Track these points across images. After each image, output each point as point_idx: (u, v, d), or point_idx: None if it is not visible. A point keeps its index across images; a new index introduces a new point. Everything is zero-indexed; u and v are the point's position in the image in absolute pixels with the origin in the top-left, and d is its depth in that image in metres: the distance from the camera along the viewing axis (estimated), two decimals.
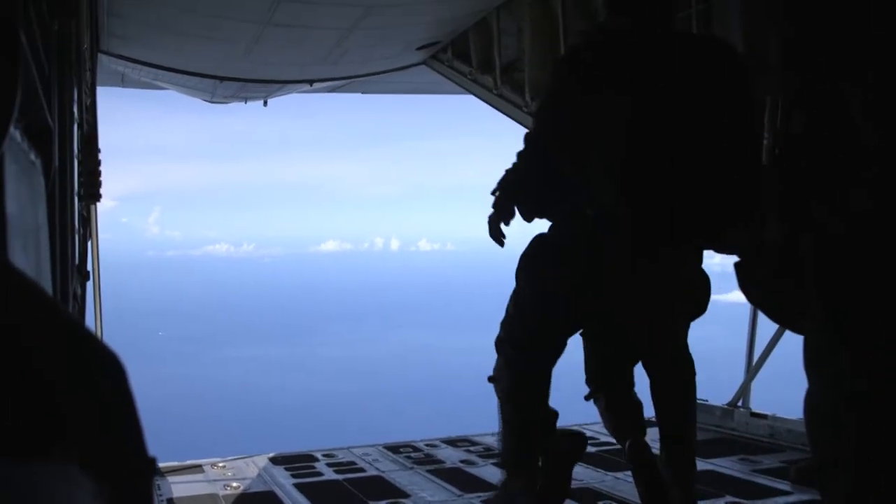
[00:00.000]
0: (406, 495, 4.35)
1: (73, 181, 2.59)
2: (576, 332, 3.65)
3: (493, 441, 5.27)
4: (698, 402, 5.68)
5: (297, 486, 4.55)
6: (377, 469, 4.91)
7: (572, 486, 4.00)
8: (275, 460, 5.13)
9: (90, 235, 5.12)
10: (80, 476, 0.57)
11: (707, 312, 3.56)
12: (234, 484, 4.58)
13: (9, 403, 0.57)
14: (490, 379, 3.65)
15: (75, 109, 2.79)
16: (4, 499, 0.49)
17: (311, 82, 9.59)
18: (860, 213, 2.30)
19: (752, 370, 5.82)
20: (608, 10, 3.36)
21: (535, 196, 3.39)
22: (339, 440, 6.57)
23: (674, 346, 3.55)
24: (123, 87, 10.44)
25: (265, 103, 10.96)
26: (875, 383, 2.27)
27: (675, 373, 3.55)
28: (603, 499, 4.20)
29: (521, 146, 3.40)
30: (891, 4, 2.31)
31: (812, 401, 2.44)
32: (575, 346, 3.74)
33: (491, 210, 3.37)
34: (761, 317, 5.36)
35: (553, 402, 3.61)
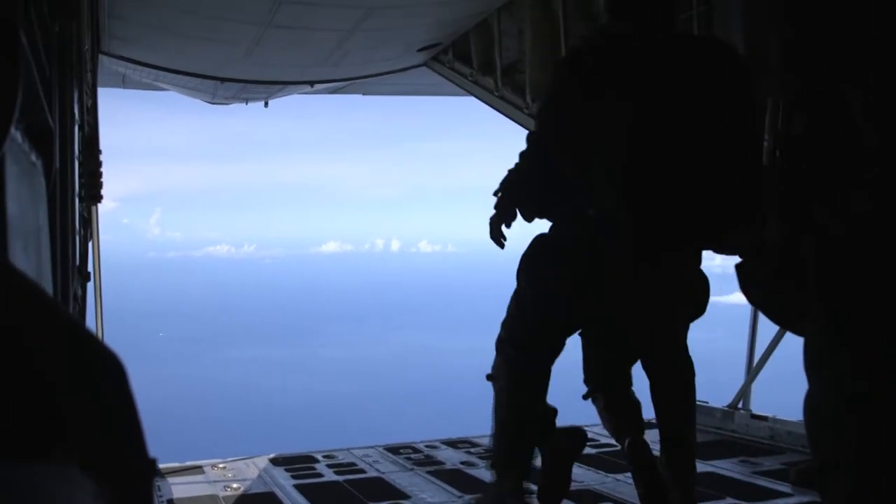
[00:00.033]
0: (406, 496, 4.35)
1: (74, 182, 2.59)
2: (575, 332, 3.65)
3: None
4: (698, 403, 5.67)
5: (297, 487, 4.54)
6: (377, 470, 4.91)
7: (573, 488, 4.00)
8: (275, 461, 5.13)
9: (91, 236, 5.13)
10: (81, 477, 0.57)
11: (708, 314, 3.56)
12: (235, 485, 4.58)
13: (10, 404, 0.57)
14: (488, 377, 3.66)
15: (76, 110, 2.79)
16: (5, 500, 0.49)
17: (311, 83, 9.60)
18: (861, 214, 2.30)
19: (752, 372, 5.81)
20: (609, 14, 3.36)
21: (536, 197, 3.40)
22: (339, 441, 6.57)
23: (674, 348, 3.55)
24: (124, 88, 10.44)
25: (266, 104, 10.97)
26: (876, 385, 2.27)
27: (676, 375, 3.55)
28: (603, 500, 4.20)
29: (523, 147, 3.41)
30: (891, 5, 2.31)
31: (812, 402, 2.44)
32: (573, 345, 3.74)
33: (492, 211, 3.37)
34: (762, 318, 5.35)
35: (551, 401, 3.61)
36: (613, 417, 3.83)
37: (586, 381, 3.94)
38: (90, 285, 4.51)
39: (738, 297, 2.93)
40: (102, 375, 0.65)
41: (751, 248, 2.88)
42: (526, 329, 3.44)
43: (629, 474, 3.77)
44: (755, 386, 5.82)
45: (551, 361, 3.47)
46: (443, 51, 8.50)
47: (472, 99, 8.39)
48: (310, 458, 5.22)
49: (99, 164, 4.17)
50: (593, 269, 3.29)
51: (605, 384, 3.86)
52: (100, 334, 6.05)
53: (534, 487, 3.84)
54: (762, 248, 2.66)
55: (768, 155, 2.64)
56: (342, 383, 68.93)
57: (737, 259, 2.94)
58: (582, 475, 4.59)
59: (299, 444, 6.26)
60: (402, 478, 4.73)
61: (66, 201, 2.12)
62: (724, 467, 4.72)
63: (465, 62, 8.18)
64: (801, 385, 2.50)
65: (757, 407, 5.74)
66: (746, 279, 2.81)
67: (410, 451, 5.42)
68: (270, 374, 73.88)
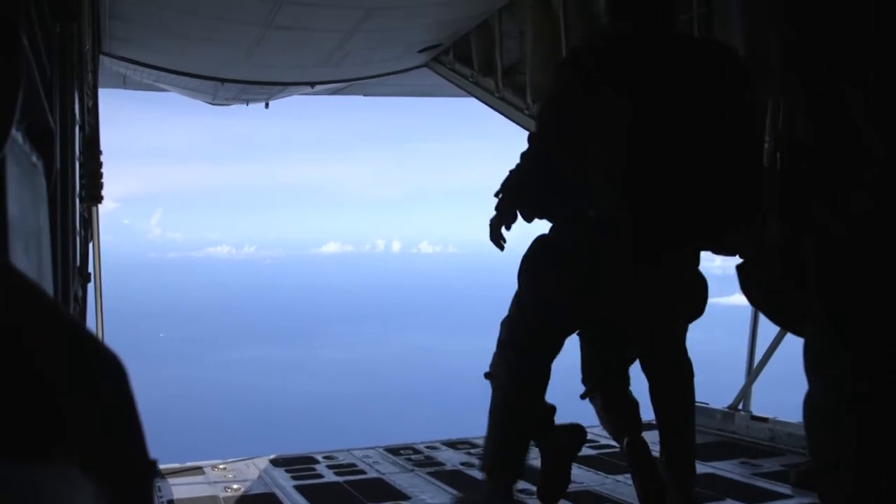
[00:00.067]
0: (406, 497, 4.35)
1: (74, 183, 2.59)
2: (574, 332, 3.66)
3: None
4: (698, 405, 5.68)
5: (297, 488, 4.54)
6: (377, 471, 4.91)
7: (573, 490, 4.00)
8: (275, 462, 5.13)
9: (92, 237, 5.13)
10: (81, 478, 0.57)
11: (707, 315, 3.56)
12: (235, 486, 4.58)
13: (10, 404, 0.57)
14: (486, 375, 3.66)
15: (77, 111, 2.79)
16: (5, 500, 0.49)
17: (312, 84, 9.60)
18: (861, 214, 2.30)
19: (752, 373, 5.81)
20: (610, 15, 3.37)
21: (536, 197, 3.40)
22: (339, 442, 6.57)
23: (674, 348, 3.55)
24: (125, 89, 10.45)
25: (267, 105, 10.97)
26: (876, 385, 2.27)
27: (675, 375, 3.55)
28: (603, 502, 4.19)
29: (524, 148, 3.41)
30: (891, 5, 2.31)
31: (812, 402, 2.44)
32: (571, 345, 3.74)
33: (493, 213, 3.38)
34: (762, 319, 5.35)
35: (550, 401, 3.61)
36: (611, 417, 3.83)
37: (584, 381, 3.94)
38: (91, 286, 4.51)
39: (739, 298, 2.93)
40: (103, 376, 0.65)
41: (751, 248, 2.88)
42: (526, 331, 3.44)
43: (629, 475, 3.77)
44: (755, 387, 5.82)
45: (550, 362, 3.47)
46: (443, 52, 8.50)
47: (473, 100, 8.39)
48: (310, 459, 5.22)
49: (100, 164, 4.17)
50: (593, 271, 3.29)
51: (602, 384, 3.87)
52: (100, 335, 6.05)
53: (522, 488, 3.85)
54: (763, 249, 2.66)
55: (769, 156, 2.64)
56: (342, 384, 68.91)
57: (737, 260, 2.94)
58: (581, 476, 4.59)
59: (299, 445, 6.27)
60: (403, 479, 4.73)
61: (67, 202, 2.13)
62: (725, 469, 4.72)
63: (466, 63, 8.18)
64: (801, 386, 2.50)
65: (757, 408, 5.73)
66: (747, 280, 2.81)
67: (411, 452, 5.41)
68: (271, 375, 73.86)
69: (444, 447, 5.55)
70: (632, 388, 3.91)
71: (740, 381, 5.84)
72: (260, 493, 4.49)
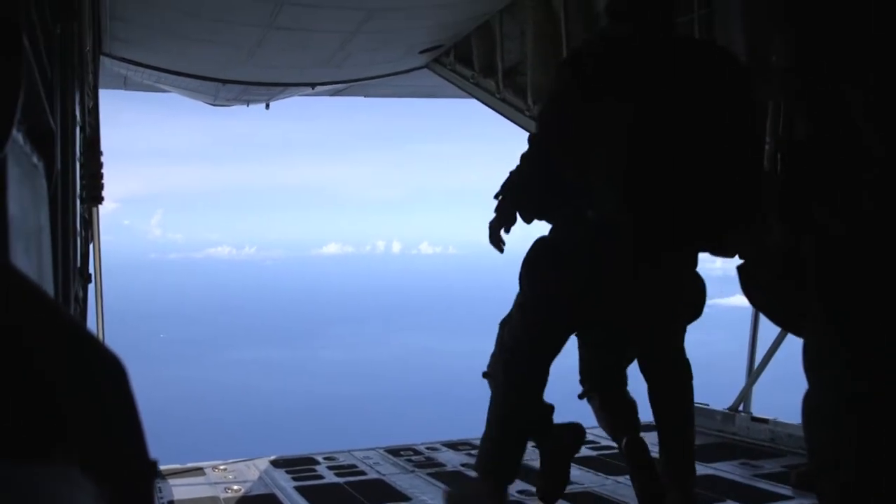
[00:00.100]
0: (407, 499, 4.35)
1: (75, 184, 2.59)
2: (575, 332, 3.66)
3: None
4: (699, 406, 5.69)
5: (297, 489, 4.54)
6: (378, 472, 4.91)
7: (573, 491, 4.00)
8: (276, 463, 5.13)
9: (92, 238, 5.13)
10: (81, 478, 0.57)
11: (708, 316, 3.56)
12: (235, 487, 4.58)
13: (10, 404, 0.57)
14: (485, 375, 3.66)
15: (78, 112, 2.79)
16: (5, 500, 0.49)
17: (313, 85, 9.61)
18: (861, 214, 2.30)
19: (753, 374, 5.81)
20: (609, 18, 3.37)
21: (537, 198, 3.40)
22: (340, 443, 6.56)
23: (673, 348, 3.56)
24: (126, 89, 10.46)
25: (267, 106, 10.97)
26: (875, 385, 2.27)
27: (675, 375, 3.55)
28: (603, 503, 4.19)
29: (524, 149, 3.41)
30: (891, 5, 2.31)
31: (811, 402, 2.44)
32: (570, 345, 3.75)
33: (493, 215, 3.37)
34: (763, 320, 5.35)
35: (548, 401, 3.61)
36: (609, 417, 3.84)
37: (582, 382, 3.95)
38: (91, 287, 4.51)
39: (739, 299, 2.93)
40: (103, 377, 0.65)
41: (752, 249, 2.89)
42: (527, 331, 3.44)
43: (629, 476, 3.78)
44: (756, 388, 5.82)
45: (550, 364, 3.47)
46: (444, 53, 8.51)
47: (474, 101, 8.40)
48: (310, 460, 5.22)
49: (100, 165, 4.17)
50: (593, 272, 3.29)
51: (600, 384, 3.87)
52: (101, 336, 6.05)
53: (522, 489, 3.85)
54: (764, 251, 2.66)
55: (770, 158, 2.64)
56: (343, 385, 68.89)
57: (737, 261, 2.94)
58: (581, 477, 4.59)
59: (300, 446, 6.27)
60: (403, 480, 4.73)
61: (68, 203, 2.13)
62: (725, 470, 4.71)
63: (467, 64, 8.19)
64: (802, 387, 2.50)
65: (758, 409, 5.73)
66: (748, 281, 2.81)
67: (411, 452, 5.41)
68: (271, 376, 73.84)
69: (444, 448, 5.55)
70: (630, 388, 3.91)
71: (741, 382, 5.84)
72: (260, 493, 4.49)
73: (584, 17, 6.43)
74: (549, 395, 3.57)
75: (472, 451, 5.38)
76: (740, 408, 5.77)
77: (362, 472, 4.91)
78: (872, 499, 2.28)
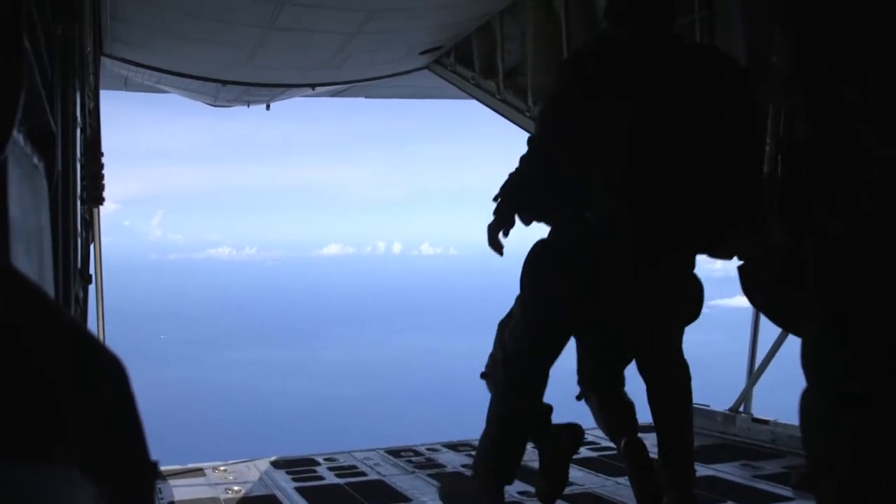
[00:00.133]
0: (407, 499, 4.35)
1: (76, 185, 2.59)
2: (575, 334, 3.66)
3: None
4: (700, 407, 5.69)
5: (298, 489, 4.55)
6: (378, 473, 4.91)
7: (573, 492, 4.00)
8: (276, 464, 5.13)
9: (93, 239, 5.13)
10: (81, 479, 0.57)
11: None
12: (236, 487, 4.58)
13: (10, 404, 0.57)
14: (483, 375, 3.66)
15: (78, 113, 2.79)
16: (5, 500, 0.49)
17: (313, 86, 9.61)
18: (861, 215, 2.30)
19: (753, 375, 5.80)
20: (609, 19, 3.38)
21: (537, 199, 3.39)
22: (340, 444, 6.57)
23: (673, 349, 3.56)
24: (126, 90, 10.46)
25: (268, 107, 10.98)
26: (873, 385, 2.26)
27: (675, 376, 3.55)
28: (603, 503, 4.19)
29: (524, 150, 3.41)
30: (891, 6, 2.31)
31: (809, 402, 2.44)
32: (568, 347, 3.75)
33: (492, 217, 3.36)
34: (764, 321, 5.35)
35: (547, 401, 3.61)
36: (608, 418, 3.84)
37: (580, 383, 3.95)
38: (92, 287, 4.51)
39: (740, 300, 2.92)
40: (103, 377, 0.65)
41: (753, 250, 2.89)
42: (528, 332, 3.44)
43: (628, 477, 3.78)
44: (756, 389, 5.81)
45: (550, 365, 3.47)
46: (445, 54, 8.51)
47: (475, 102, 8.40)
48: (311, 461, 5.22)
49: (101, 166, 4.17)
50: (592, 272, 3.29)
51: (598, 385, 3.87)
52: (101, 336, 6.05)
53: (522, 489, 3.85)
54: (765, 253, 2.66)
55: (770, 160, 2.64)
56: (343, 386, 68.87)
57: (738, 261, 2.94)
58: (582, 478, 4.59)
59: (300, 447, 6.26)
60: (404, 481, 4.73)
61: (68, 204, 2.13)
62: (725, 471, 4.71)
63: (468, 65, 8.19)
64: (802, 389, 2.49)
65: (758, 410, 5.73)
66: (749, 282, 2.81)
67: (411, 453, 5.42)
68: (271, 377, 73.82)
69: (444, 449, 5.56)
70: (628, 390, 3.92)
71: (741, 383, 5.84)
72: (261, 494, 4.49)
73: (584, 17, 6.44)
74: (548, 396, 3.57)
75: (473, 452, 5.38)
76: (741, 409, 5.76)
77: (363, 473, 4.92)
78: (870, 499, 2.28)
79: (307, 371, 77.42)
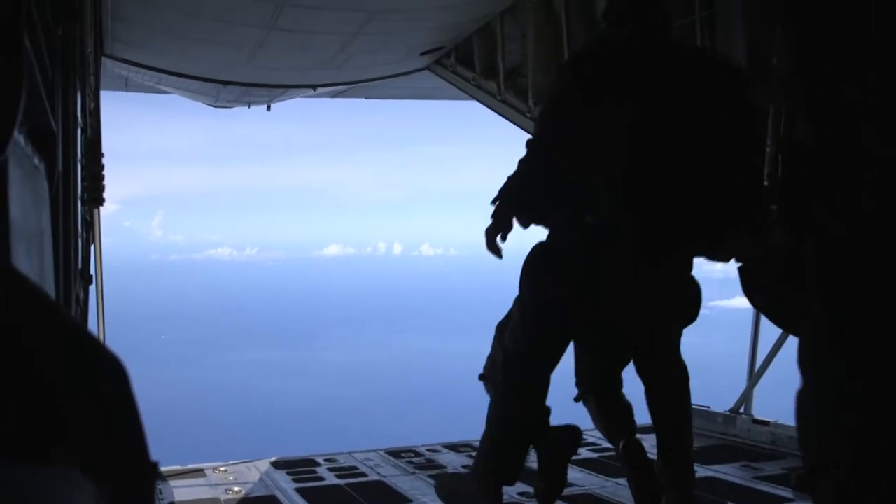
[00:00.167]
0: (407, 500, 4.35)
1: (76, 185, 2.59)
2: (575, 336, 3.66)
3: None
4: (700, 408, 5.69)
5: (298, 490, 4.55)
6: (379, 474, 4.91)
7: (574, 493, 4.00)
8: (276, 465, 5.13)
9: (93, 239, 5.13)
10: (82, 479, 0.57)
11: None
12: (236, 488, 4.58)
13: (10, 404, 0.57)
14: (481, 377, 3.66)
15: (79, 114, 2.79)
16: (5, 500, 0.49)
17: (314, 87, 9.62)
18: (861, 214, 2.30)
19: (754, 376, 5.80)
20: (608, 20, 3.38)
21: (536, 200, 3.39)
22: (341, 444, 6.56)
23: (672, 349, 3.56)
24: (127, 91, 10.47)
25: (268, 108, 10.98)
26: (873, 385, 2.26)
27: (674, 376, 3.55)
28: None
29: (524, 152, 3.40)
30: (891, 6, 2.31)
31: (806, 402, 2.44)
32: (567, 349, 3.75)
33: (490, 220, 3.35)
34: (764, 322, 5.35)
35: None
36: (606, 420, 3.85)
37: (578, 384, 3.95)
38: (92, 288, 4.51)
39: (740, 301, 2.92)
40: (104, 378, 0.65)
41: (753, 250, 2.89)
42: (527, 336, 3.44)
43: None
44: (757, 390, 5.81)
45: (551, 370, 3.47)
46: (445, 55, 8.51)
47: (475, 103, 8.40)
48: (311, 462, 5.22)
49: (101, 167, 4.17)
50: (591, 276, 3.29)
51: (596, 387, 3.87)
52: (102, 337, 6.05)
53: (522, 490, 3.84)
54: (765, 253, 2.66)
55: (771, 160, 2.64)
56: (344, 386, 68.88)
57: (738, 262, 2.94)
58: (582, 479, 4.59)
59: (301, 448, 6.26)
60: (404, 482, 4.73)
61: (69, 204, 2.13)
62: (726, 472, 4.71)
63: (468, 66, 8.19)
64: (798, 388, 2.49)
65: (759, 412, 5.73)
66: (749, 283, 2.81)
67: (412, 454, 5.42)
68: (272, 378, 73.84)
69: (445, 450, 5.55)
70: (626, 391, 3.92)
71: (742, 384, 5.83)
72: (261, 495, 4.49)
73: (585, 18, 6.44)
74: (546, 398, 3.57)
75: (473, 453, 5.38)
76: (741, 410, 5.76)
77: (363, 474, 4.92)
78: (867, 499, 2.27)
79: (307, 372, 77.45)
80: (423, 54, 8.44)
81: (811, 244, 2.41)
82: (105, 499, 0.59)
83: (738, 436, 5.62)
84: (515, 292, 3.56)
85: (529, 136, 3.46)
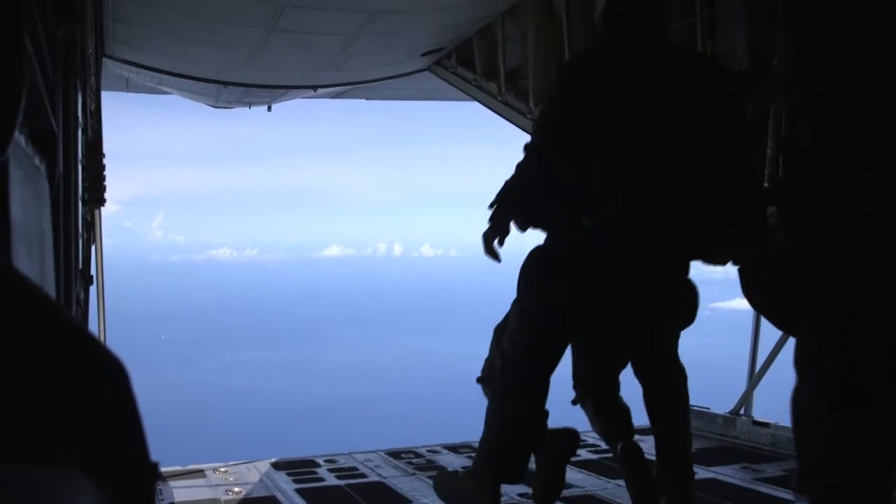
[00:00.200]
0: (408, 501, 4.35)
1: (77, 186, 2.59)
2: (574, 339, 3.66)
3: None
4: (700, 409, 5.69)
5: (298, 491, 4.54)
6: (379, 475, 4.91)
7: (574, 494, 4.00)
8: (277, 465, 5.13)
9: (94, 240, 5.14)
10: (82, 480, 0.57)
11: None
12: (236, 489, 4.58)
13: (10, 405, 0.57)
14: (479, 380, 3.66)
15: (80, 114, 2.80)
16: (5, 501, 0.49)
17: (315, 88, 9.62)
18: (860, 214, 2.30)
19: (754, 378, 5.80)
20: (607, 20, 3.39)
21: (534, 202, 3.38)
22: (341, 445, 6.57)
23: (671, 350, 3.56)
24: (128, 91, 10.47)
25: (269, 108, 10.99)
26: (872, 385, 2.26)
27: (673, 376, 3.55)
28: None
29: (522, 155, 3.40)
30: (891, 6, 2.31)
31: (802, 402, 2.44)
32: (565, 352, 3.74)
33: (487, 224, 3.34)
34: (764, 324, 5.34)
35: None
36: (603, 422, 3.85)
37: (575, 387, 3.95)
38: (93, 288, 4.52)
39: (740, 302, 2.92)
40: (104, 378, 0.65)
41: (753, 250, 2.89)
42: (525, 339, 3.43)
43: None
44: (757, 392, 5.81)
45: (550, 372, 3.46)
46: (446, 56, 8.51)
47: (476, 104, 8.40)
48: (311, 463, 5.22)
49: (102, 167, 4.18)
50: (589, 276, 3.29)
51: (593, 390, 3.87)
52: (102, 337, 6.05)
53: (522, 492, 3.84)
54: (765, 253, 2.66)
55: (771, 162, 2.65)
56: (344, 387, 68.91)
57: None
58: (583, 480, 4.59)
59: (301, 448, 6.26)
60: (404, 482, 4.73)
61: (70, 205, 2.13)
62: (726, 474, 4.71)
63: (469, 67, 8.19)
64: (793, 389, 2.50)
65: (759, 413, 5.72)
66: (749, 284, 2.81)
67: (412, 455, 5.41)
68: (272, 378, 73.86)
69: (445, 451, 5.55)
70: (623, 394, 3.91)
71: (742, 385, 5.83)
72: (261, 496, 4.49)
73: (585, 19, 6.44)
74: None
75: (473, 454, 5.38)
76: (741, 411, 5.76)
77: (363, 475, 4.91)
78: (860, 499, 2.27)
79: (308, 372, 77.46)
80: (423, 55, 8.44)
81: (811, 245, 2.42)
82: (105, 499, 0.59)
83: (738, 437, 5.62)
84: (515, 294, 3.55)
85: (527, 141, 3.45)
